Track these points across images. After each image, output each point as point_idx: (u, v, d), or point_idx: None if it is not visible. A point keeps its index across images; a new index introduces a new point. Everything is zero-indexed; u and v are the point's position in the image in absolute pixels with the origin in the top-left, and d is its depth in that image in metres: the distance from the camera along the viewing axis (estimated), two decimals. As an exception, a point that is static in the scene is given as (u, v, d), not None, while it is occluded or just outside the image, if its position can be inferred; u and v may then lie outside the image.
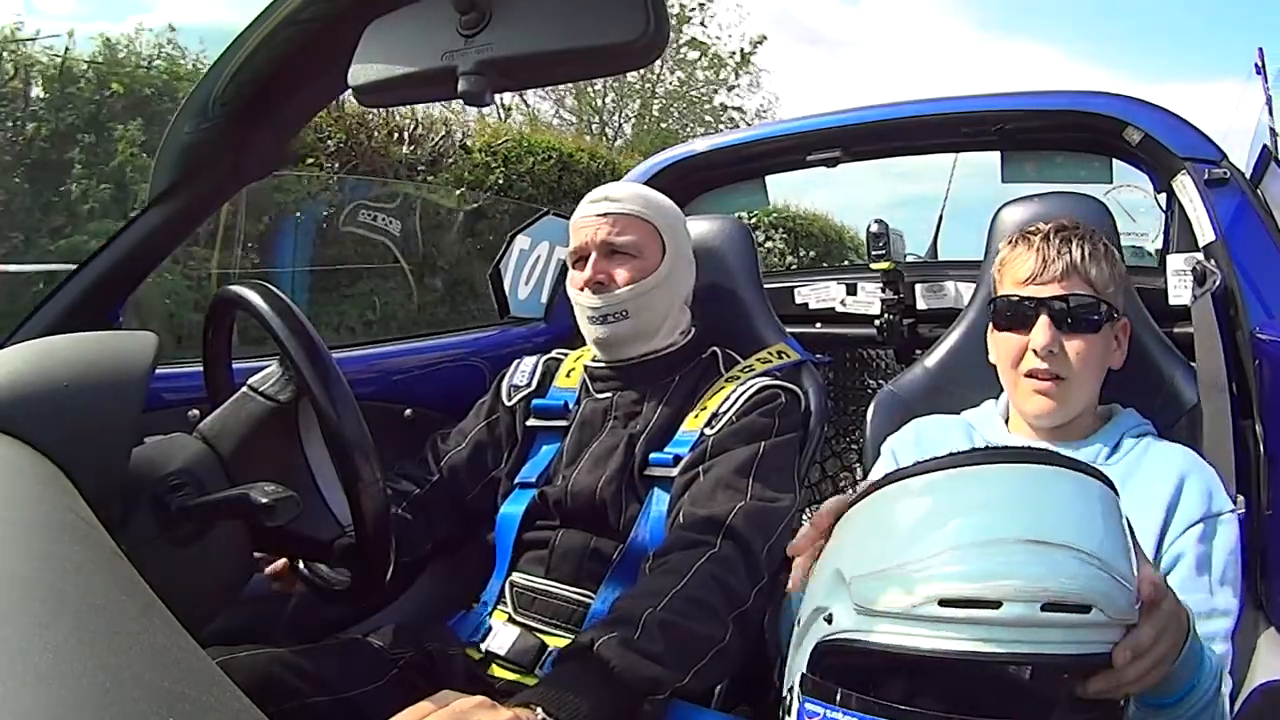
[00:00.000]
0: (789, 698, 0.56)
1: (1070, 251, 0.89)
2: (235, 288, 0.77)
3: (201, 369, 0.85)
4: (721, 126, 11.85)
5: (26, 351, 0.60)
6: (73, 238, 4.49)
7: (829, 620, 0.53)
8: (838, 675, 0.52)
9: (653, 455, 1.01)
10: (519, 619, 0.99)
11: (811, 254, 8.41)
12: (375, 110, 5.46)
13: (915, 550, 0.50)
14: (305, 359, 0.70)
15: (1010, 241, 0.95)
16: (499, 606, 1.02)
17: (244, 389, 0.76)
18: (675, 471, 0.98)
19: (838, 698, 0.51)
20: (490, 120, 7.27)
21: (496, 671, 0.95)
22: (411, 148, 5.91)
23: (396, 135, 5.85)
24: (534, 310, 1.52)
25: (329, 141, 5.36)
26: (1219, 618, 0.75)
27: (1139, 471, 0.85)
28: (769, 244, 8.10)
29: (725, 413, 1.00)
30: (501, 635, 0.97)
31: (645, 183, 1.44)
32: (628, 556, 0.97)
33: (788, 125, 1.54)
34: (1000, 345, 0.93)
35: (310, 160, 5.30)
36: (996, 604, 0.47)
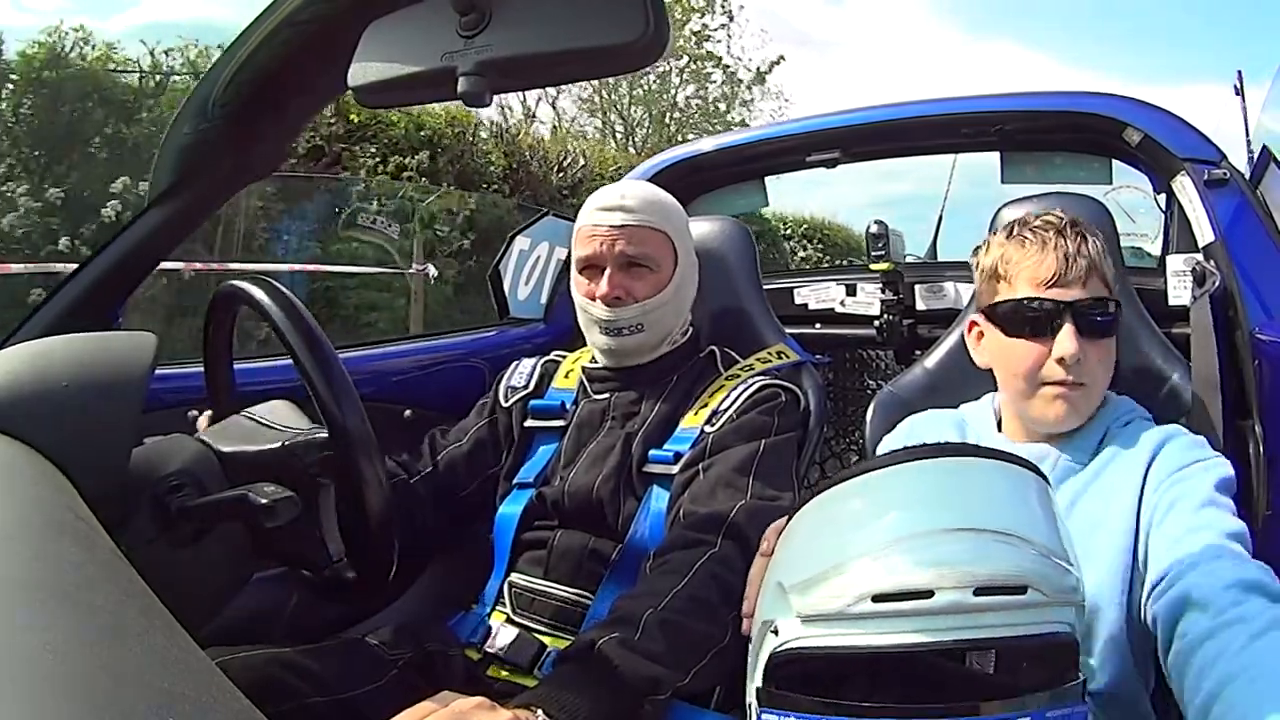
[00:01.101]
0: (749, 712, 0.56)
1: (1087, 248, 0.83)
2: (237, 283, 0.76)
3: (202, 369, 0.85)
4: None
5: (26, 352, 0.60)
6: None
7: (776, 632, 0.54)
8: (794, 685, 0.53)
9: (652, 452, 1.01)
10: (518, 619, 0.99)
11: (842, 262, 8.61)
12: (535, 139, 6.87)
13: (847, 551, 0.50)
14: (308, 354, 0.70)
15: (1014, 237, 0.87)
16: (498, 607, 1.02)
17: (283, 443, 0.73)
18: (675, 469, 0.98)
19: (791, 703, 0.52)
20: (592, 145, 8.67)
21: (496, 672, 0.95)
22: (560, 174, 6.95)
23: (549, 163, 7.03)
24: (534, 311, 1.52)
25: (491, 168, 6.22)
26: (1235, 541, 0.69)
27: (1125, 450, 0.83)
28: (800, 254, 8.32)
29: (726, 410, 1.00)
30: (501, 636, 0.97)
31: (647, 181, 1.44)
32: (626, 556, 0.97)
33: (788, 126, 1.54)
34: (1011, 353, 0.85)
35: (489, 186, 6.23)
36: (928, 593, 0.47)
